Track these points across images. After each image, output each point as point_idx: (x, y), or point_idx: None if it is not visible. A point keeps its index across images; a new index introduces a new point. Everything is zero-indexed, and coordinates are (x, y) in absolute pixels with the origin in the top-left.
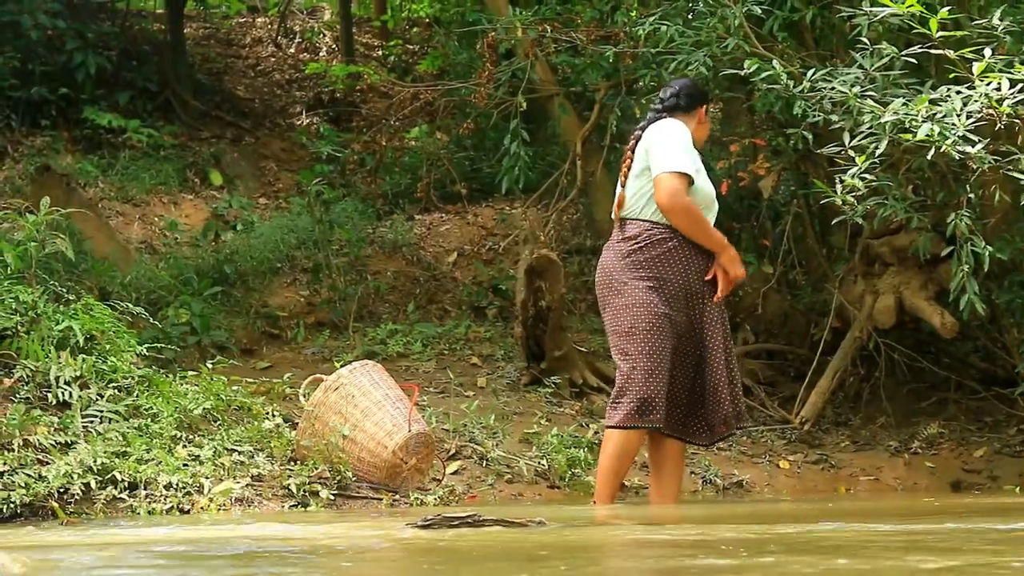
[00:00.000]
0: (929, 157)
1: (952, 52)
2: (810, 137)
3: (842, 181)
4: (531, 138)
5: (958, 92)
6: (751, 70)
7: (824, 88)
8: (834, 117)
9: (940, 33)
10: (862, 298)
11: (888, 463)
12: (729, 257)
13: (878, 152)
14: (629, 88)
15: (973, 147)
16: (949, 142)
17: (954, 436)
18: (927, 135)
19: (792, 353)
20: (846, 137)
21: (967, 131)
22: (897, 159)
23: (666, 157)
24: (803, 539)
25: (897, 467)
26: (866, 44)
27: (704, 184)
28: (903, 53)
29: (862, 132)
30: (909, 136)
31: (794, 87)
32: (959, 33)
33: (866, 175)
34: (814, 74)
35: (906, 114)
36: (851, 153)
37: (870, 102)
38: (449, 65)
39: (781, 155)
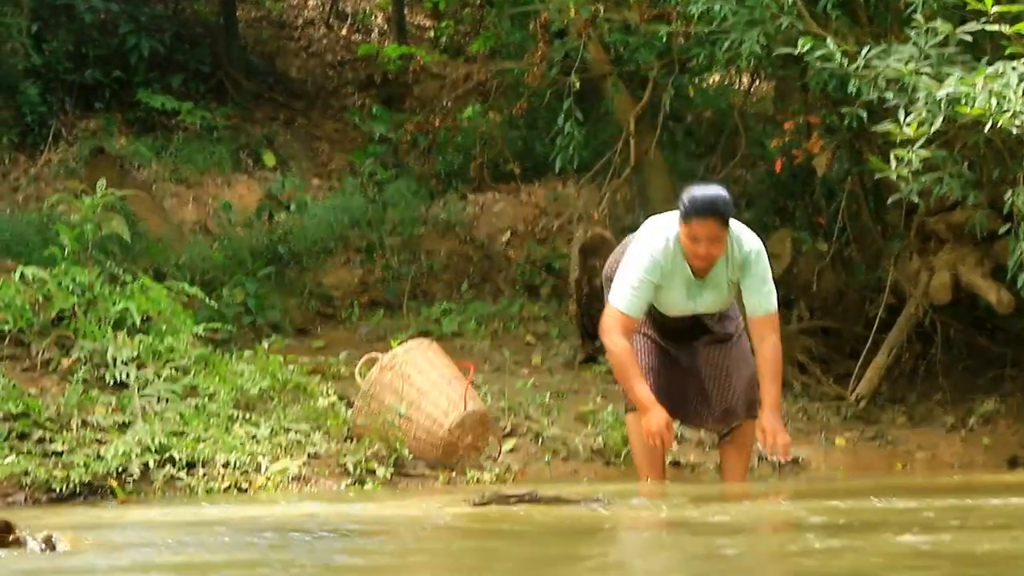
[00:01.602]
0: (985, 133)
1: (1008, 28)
2: (864, 115)
3: (897, 158)
4: (584, 117)
5: (1014, 68)
6: (805, 48)
7: (878, 65)
8: (889, 94)
9: (995, 8)
10: (917, 275)
11: (944, 440)
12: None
13: (933, 128)
14: (682, 67)
15: None
16: (1006, 116)
17: (1011, 412)
18: (983, 109)
19: (847, 330)
20: (901, 114)
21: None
22: (952, 136)
23: (615, 286)
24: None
25: (954, 444)
26: (920, 22)
27: (668, 302)
28: (958, 30)
29: (917, 109)
30: (964, 110)
31: (848, 65)
32: (1015, 8)
33: (921, 152)
34: (868, 52)
35: (962, 89)
36: (906, 130)
37: (925, 79)
38: (501, 45)
39: (835, 133)
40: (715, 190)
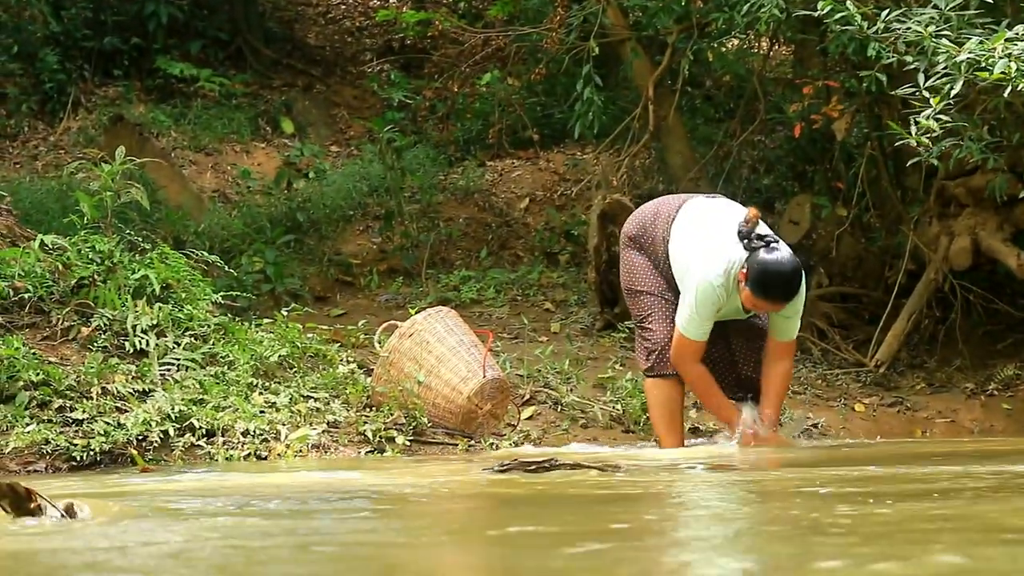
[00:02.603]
0: (1005, 96)
1: None
2: (884, 79)
3: (917, 122)
4: (603, 83)
5: None
6: (824, 11)
7: (898, 29)
8: (908, 58)
9: None
10: (937, 240)
11: (964, 405)
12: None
13: (953, 92)
14: (701, 31)
15: None
16: None
17: None
18: (1003, 73)
19: (866, 296)
20: (921, 78)
21: None
22: (972, 99)
23: (682, 312)
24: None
25: (973, 409)
26: None
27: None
28: None
29: (937, 72)
30: (985, 75)
31: (868, 28)
32: None
33: (941, 116)
34: (888, 15)
35: (982, 53)
36: (926, 94)
37: (945, 42)
38: (520, 10)
39: (855, 97)
40: (792, 267)
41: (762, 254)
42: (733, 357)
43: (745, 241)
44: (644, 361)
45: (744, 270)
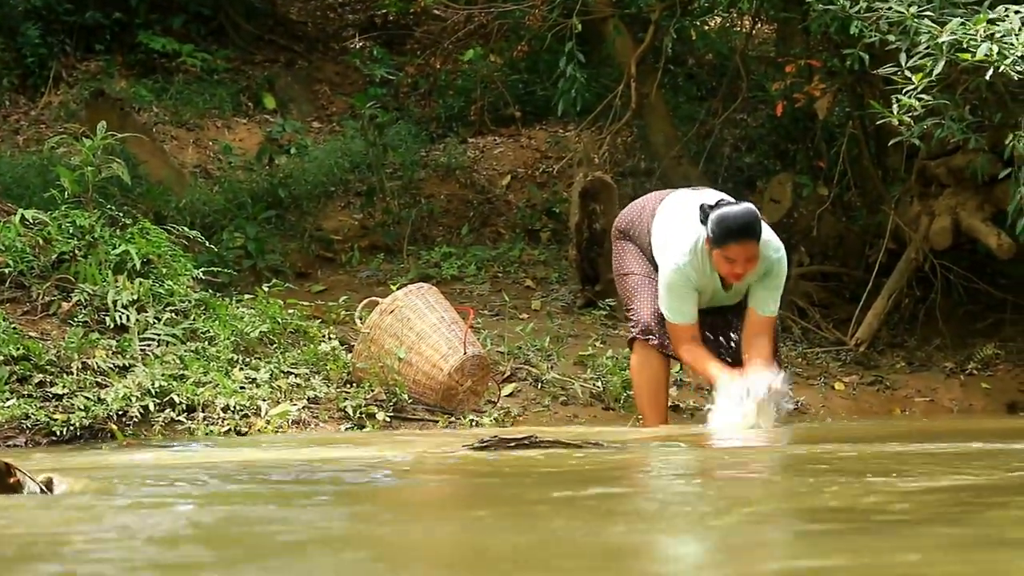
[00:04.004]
0: (987, 77)
1: None
2: (866, 58)
3: (898, 102)
4: (585, 60)
5: (1017, 12)
6: None
7: (881, 8)
8: (891, 37)
9: None
10: (918, 219)
11: (944, 384)
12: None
13: (935, 72)
14: (684, 9)
15: None
16: (1008, 62)
17: (1010, 357)
18: (985, 55)
19: (847, 275)
20: (903, 57)
21: None
22: (954, 79)
23: (661, 298)
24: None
25: (953, 388)
26: None
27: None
28: None
29: (919, 52)
30: (967, 56)
31: (850, 7)
32: None
33: (923, 96)
34: None
35: (964, 34)
36: (908, 73)
37: (927, 22)
38: None
39: (836, 76)
40: (745, 209)
41: (714, 213)
42: (719, 337)
43: (703, 216)
44: (628, 334)
45: (707, 237)
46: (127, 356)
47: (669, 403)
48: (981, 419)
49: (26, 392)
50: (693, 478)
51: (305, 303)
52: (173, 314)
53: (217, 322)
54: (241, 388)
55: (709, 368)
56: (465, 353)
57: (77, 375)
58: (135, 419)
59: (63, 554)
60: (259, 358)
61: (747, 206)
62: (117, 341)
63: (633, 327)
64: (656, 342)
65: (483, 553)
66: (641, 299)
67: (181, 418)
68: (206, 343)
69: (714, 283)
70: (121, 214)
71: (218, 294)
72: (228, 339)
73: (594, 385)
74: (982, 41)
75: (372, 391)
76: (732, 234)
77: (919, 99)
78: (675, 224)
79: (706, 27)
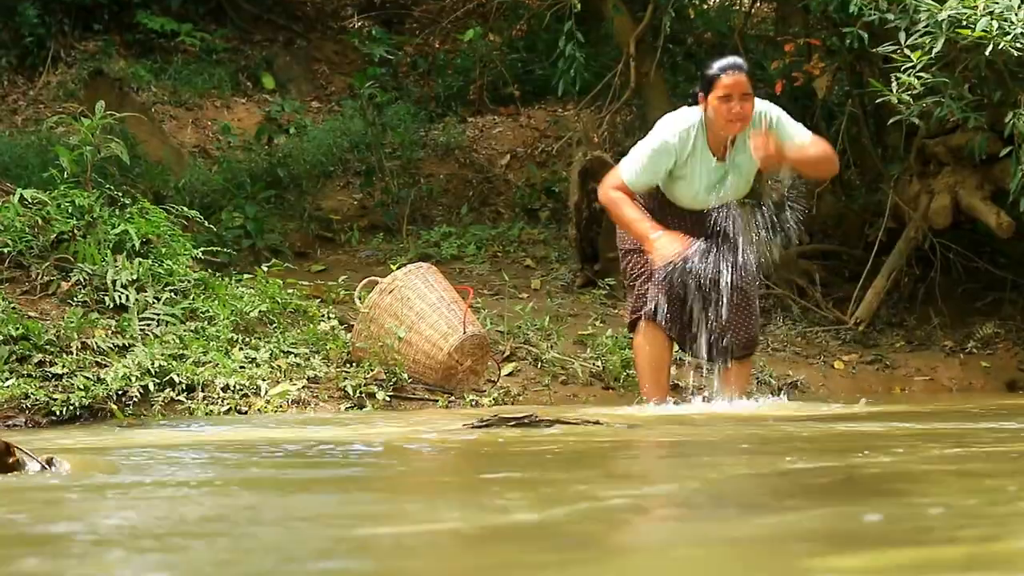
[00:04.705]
0: (986, 55)
1: None
2: (865, 36)
3: (898, 80)
4: (584, 40)
5: None
6: None
7: None
8: (890, 16)
9: None
10: (917, 198)
11: (943, 363)
12: (649, 247)
13: (934, 51)
14: None
15: None
16: (1007, 39)
17: (1009, 336)
18: (984, 32)
19: (847, 254)
20: (902, 36)
21: None
22: (953, 58)
23: (629, 155)
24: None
25: (952, 367)
26: None
27: (678, 188)
28: None
29: (918, 30)
30: (966, 32)
31: None
32: None
33: (922, 74)
34: None
35: (963, 11)
36: (907, 52)
37: (927, 0)
38: None
39: (836, 54)
40: (726, 56)
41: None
42: (705, 315)
43: (693, 99)
44: (628, 317)
45: (700, 96)
46: (127, 336)
47: (670, 382)
48: (980, 398)
49: (26, 372)
50: (685, 455)
51: (305, 283)
52: (172, 294)
53: (216, 302)
54: (241, 368)
55: (631, 211)
56: (465, 333)
57: (77, 355)
58: (135, 399)
59: (59, 532)
60: (259, 338)
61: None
62: (116, 321)
63: (635, 311)
64: (660, 320)
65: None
66: (644, 282)
67: (181, 398)
68: (205, 323)
69: (708, 161)
70: (120, 194)
71: (217, 274)
72: (228, 319)
73: (594, 364)
74: (981, 17)
75: (372, 371)
76: (721, 68)
77: (918, 78)
78: (667, 120)
79: (705, 6)
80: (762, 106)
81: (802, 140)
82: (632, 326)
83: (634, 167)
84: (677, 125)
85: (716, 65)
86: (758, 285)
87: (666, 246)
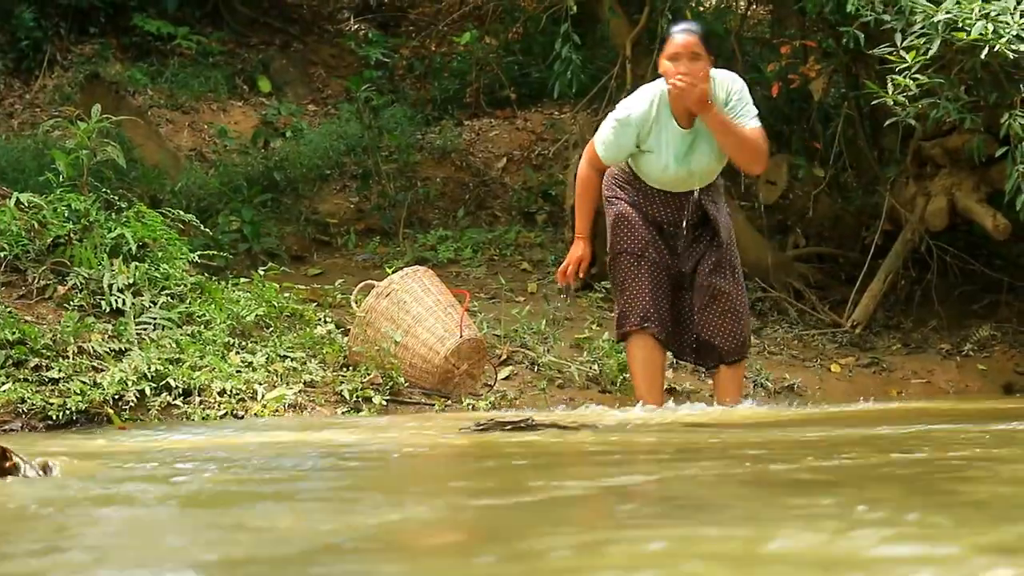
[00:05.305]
0: (982, 57)
1: None
2: (862, 37)
3: (894, 82)
4: (580, 42)
5: None
6: None
7: None
8: (886, 17)
9: None
10: (914, 200)
11: (940, 366)
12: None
13: (931, 52)
14: None
15: None
16: (1003, 41)
17: (1006, 338)
18: (980, 34)
19: (843, 256)
20: (898, 37)
21: (1021, 30)
22: (950, 59)
23: (601, 127)
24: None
25: (949, 370)
26: None
27: (647, 163)
28: None
29: (914, 32)
30: (962, 35)
31: None
32: None
33: (918, 76)
34: None
35: (959, 13)
36: (903, 53)
37: (922, 1)
38: None
39: (832, 56)
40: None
41: None
42: (693, 319)
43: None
44: (616, 326)
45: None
46: (123, 340)
47: (665, 385)
48: (975, 400)
49: (22, 376)
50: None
51: (301, 286)
52: (169, 298)
53: (213, 306)
54: (237, 372)
55: (588, 202)
56: (461, 336)
57: (73, 359)
58: (131, 403)
59: (52, 537)
60: (255, 342)
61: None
62: (113, 325)
63: (623, 318)
64: (654, 327)
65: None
66: (633, 285)
67: (177, 402)
68: (202, 327)
69: (674, 130)
70: (116, 198)
71: (214, 278)
72: (224, 323)
73: (591, 368)
74: (977, 20)
75: (368, 375)
76: (673, 30)
77: (915, 79)
78: (633, 93)
79: (701, 8)
80: (726, 75)
81: (743, 121)
82: (621, 336)
83: (602, 137)
84: (639, 95)
85: (671, 27)
86: (742, 284)
87: (569, 256)
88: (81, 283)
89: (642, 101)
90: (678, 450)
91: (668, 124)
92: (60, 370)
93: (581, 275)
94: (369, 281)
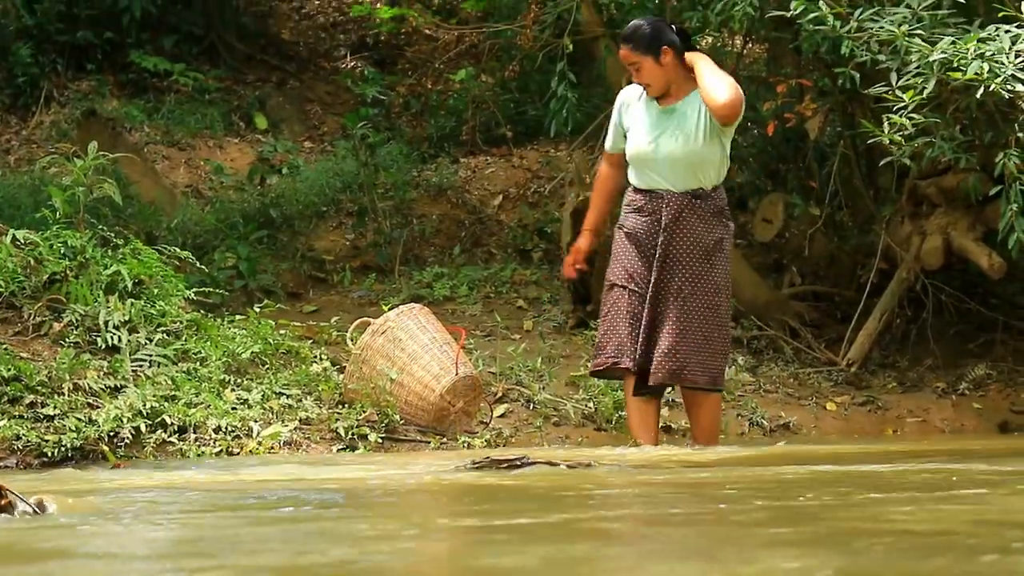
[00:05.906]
0: (978, 96)
1: None
2: (857, 77)
3: (889, 121)
4: (577, 80)
5: (1007, 31)
6: (798, 11)
7: (871, 27)
8: (881, 57)
9: None
10: (909, 239)
11: (935, 405)
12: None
13: (926, 92)
14: None
15: (1022, 86)
16: (998, 81)
17: (1002, 377)
18: (976, 74)
19: (839, 295)
20: (893, 77)
21: (1016, 70)
22: (945, 99)
23: None
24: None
25: (944, 409)
26: None
27: (632, 143)
28: None
29: (910, 71)
30: (957, 75)
31: (841, 27)
32: None
33: (914, 115)
34: (861, 14)
35: (954, 53)
36: (898, 93)
37: (918, 41)
38: (494, 7)
39: (828, 96)
40: (641, 20)
41: None
42: (665, 332)
43: None
44: (593, 360)
45: None
46: (119, 377)
47: (660, 423)
48: (971, 439)
49: (17, 413)
50: (668, 500)
51: (297, 324)
52: (165, 335)
53: (209, 343)
54: (233, 409)
55: (599, 202)
56: (457, 374)
57: (68, 396)
58: (126, 440)
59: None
60: (251, 379)
61: (650, 18)
62: (108, 362)
63: (600, 350)
64: (627, 361)
65: None
66: (613, 318)
67: (173, 439)
68: (198, 364)
69: (654, 107)
70: (112, 234)
71: (210, 315)
72: (220, 360)
73: (586, 406)
74: (972, 60)
75: (364, 412)
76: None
77: (910, 118)
78: None
79: (697, 47)
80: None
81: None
82: (595, 367)
83: (608, 133)
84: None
85: None
86: (720, 312)
87: (574, 250)
88: (77, 320)
89: (635, 85)
90: (658, 488)
91: (649, 104)
92: (55, 407)
93: (581, 268)
94: (365, 319)
